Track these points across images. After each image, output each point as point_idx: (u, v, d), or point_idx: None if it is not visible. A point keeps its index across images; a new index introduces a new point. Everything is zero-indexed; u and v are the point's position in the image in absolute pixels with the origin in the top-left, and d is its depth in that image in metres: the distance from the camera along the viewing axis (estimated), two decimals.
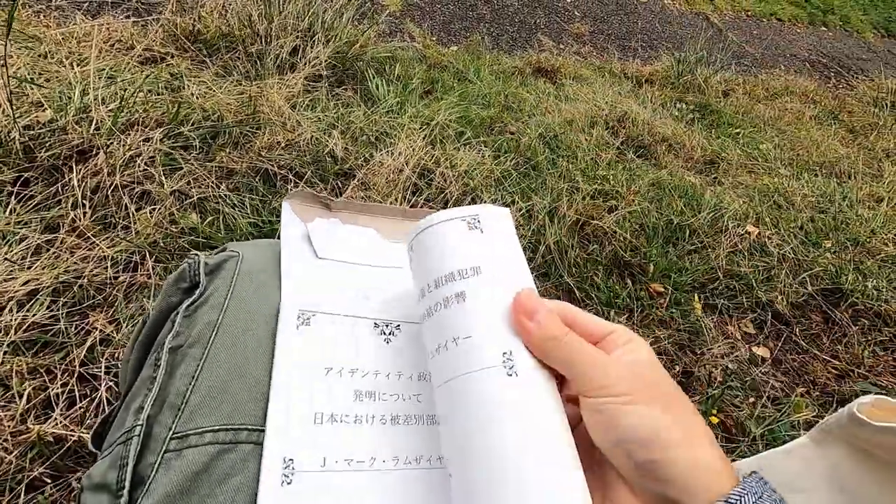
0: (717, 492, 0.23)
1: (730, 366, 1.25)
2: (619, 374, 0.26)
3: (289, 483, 0.30)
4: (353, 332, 0.38)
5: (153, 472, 0.30)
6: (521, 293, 0.30)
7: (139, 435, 0.31)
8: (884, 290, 1.55)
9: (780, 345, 1.38)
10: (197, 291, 0.38)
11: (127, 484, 0.29)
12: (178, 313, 0.37)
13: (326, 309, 0.38)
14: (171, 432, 0.31)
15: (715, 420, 1.11)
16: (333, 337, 0.37)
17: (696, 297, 1.41)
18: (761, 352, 1.34)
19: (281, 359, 0.35)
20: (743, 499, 0.23)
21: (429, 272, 0.33)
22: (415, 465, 0.34)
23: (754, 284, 1.49)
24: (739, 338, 1.37)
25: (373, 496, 0.32)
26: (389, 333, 0.39)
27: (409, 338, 0.40)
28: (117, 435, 0.32)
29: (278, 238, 0.45)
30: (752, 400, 1.19)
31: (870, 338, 1.44)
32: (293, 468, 0.31)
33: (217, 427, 0.31)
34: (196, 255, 0.40)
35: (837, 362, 1.36)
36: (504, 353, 0.28)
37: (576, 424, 0.29)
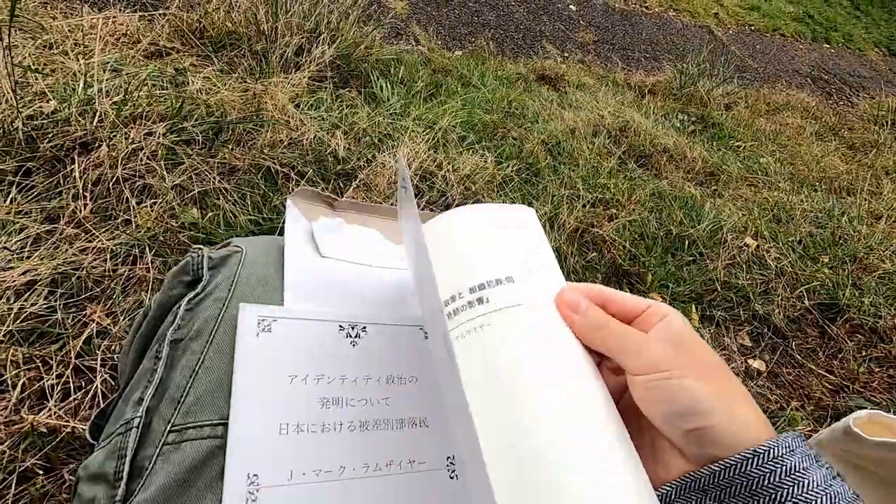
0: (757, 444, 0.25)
1: None
2: (661, 351, 0.28)
3: (254, 500, 0.29)
4: (317, 336, 0.37)
5: (151, 464, 0.29)
6: (563, 291, 0.32)
7: (138, 427, 0.31)
8: (880, 306, 1.56)
9: (775, 358, 1.38)
10: (199, 285, 0.38)
11: (125, 475, 0.29)
12: (179, 306, 0.36)
13: (286, 314, 0.37)
14: (169, 425, 0.31)
15: None
16: (295, 343, 0.36)
17: (694, 308, 1.41)
18: (757, 364, 1.35)
19: (241, 368, 0.33)
20: (773, 450, 0.25)
21: (456, 278, 0.32)
22: (385, 471, 0.33)
23: (752, 297, 1.49)
24: (736, 350, 1.37)
25: None
26: (356, 336, 0.38)
27: (378, 339, 0.39)
28: (116, 426, 0.32)
29: (279, 234, 0.45)
30: None
31: (865, 353, 1.44)
32: (258, 484, 0.30)
33: (216, 421, 0.31)
34: (199, 249, 0.40)
35: (832, 377, 1.36)
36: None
37: (619, 397, 0.31)
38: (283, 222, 0.44)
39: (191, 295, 0.37)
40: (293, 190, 1.33)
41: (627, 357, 0.29)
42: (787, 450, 0.25)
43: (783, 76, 4.00)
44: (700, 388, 0.27)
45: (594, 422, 0.27)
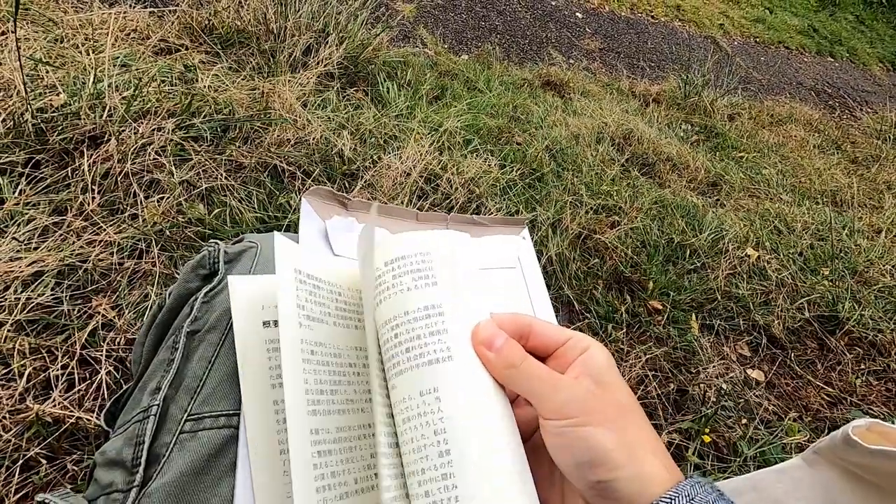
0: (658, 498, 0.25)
1: (724, 386, 1.25)
2: (573, 396, 0.27)
3: None
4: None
5: (168, 452, 0.30)
6: (479, 326, 0.30)
7: (156, 414, 0.31)
8: (879, 320, 1.56)
9: (774, 369, 1.39)
10: (216, 279, 0.38)
11: (143, 461, 0.30)
12: (196, 298, 0.37)
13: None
14: (186, 414, 0.31)
15: (707, 439, 1.12)
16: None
17: (694, 317, 1.41)
18: (756, 374, 1.35)
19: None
20: (675, 500, 0.24)
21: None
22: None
23: (752, 307, 1.50)
24: (735, 359, 1.37)
25: None
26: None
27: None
28: (133, 414, 0.33)
29: (286, 230, 0.45)
30: (744, 421, 1.19)
31: (864, 366, 1.45)
32: None
33: (231, 411, 0.32)
34: (216, 243, 0.41)
35: (831, 389, 1.37)
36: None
37: (534, 433, 0.30)
38: (292, 217, 0.45)
39: (207, 288, 0.38)
40: (299, 189, 1.34)
41: (537, 400, 0.28)
42: (688, 499, 0.24)
43: (787, 88, 4.01)
44: (608, 438, 0.26)
45: (491, 471, 0.27)
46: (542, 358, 0.31)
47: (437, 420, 0.27)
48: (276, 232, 0.33)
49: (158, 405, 0.32)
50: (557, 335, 0.30)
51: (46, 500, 0.29)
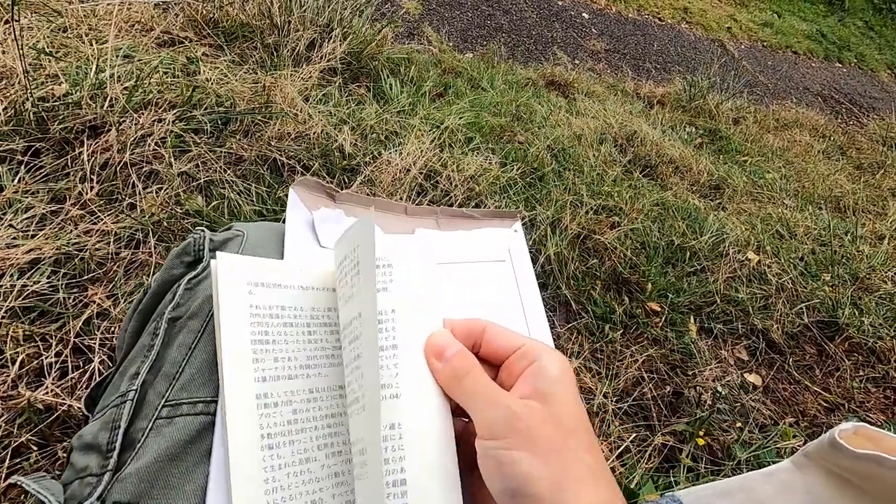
0: None
1: (720, 390, 1.25)
2: (506, 415, 0.25)
3: None
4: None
5: (143, 437, 0.30)
6: (433, 334, 0.30)
7: (133, 399, 0.31)
8: (880, 326, 1.56)
9: (772, 373, 1.38)
10: (200, 266, 0.38)
11: (117, 446, 0.30)
12: (179, 285, 0.37)
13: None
14: (164, 399, 0.31)
15: (701, 442, 1.11)
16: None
17: (692, 319, 1.41)
18: (753, 379, 1.35)
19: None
20: None
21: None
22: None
23: (751, 311, 1.49)
24: (732, 363, 1.37)
25: None
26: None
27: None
28: (111, 398, 0.33)
29: (282, 222, 0.45)
30: (739, 425, 1.19)
31: (862, 373, 1.44)
32: None
33: (209, 399, 0.32)
34: (202, 230, 0.41)
35: (828, 395, 1.36)
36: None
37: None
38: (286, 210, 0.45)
39: (191, 275, 0.38)
40: (299, 179, 1.34)
41: (473, 417, 0.27)
42: None
43: (793, 93, 3.99)
44: (535, 466, 0.24)
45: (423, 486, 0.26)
46: (496, 366, 0.30)
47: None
48: (219, 252, 0.33)
49: (136, 390, 0.32)
50: (508, 343, 0.29)
51: (21, 483, 0.29)
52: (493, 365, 0.30)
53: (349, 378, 0.30)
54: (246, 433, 0.29)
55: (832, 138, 3.27)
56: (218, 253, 0.32)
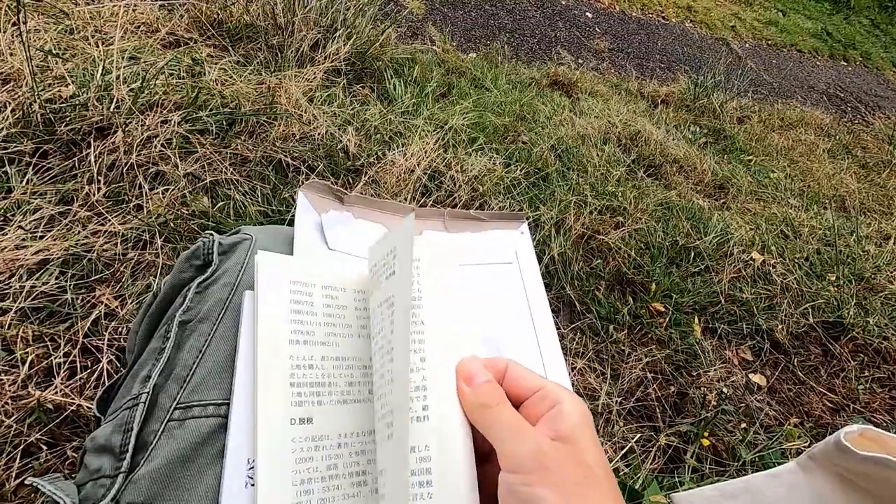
0: None
1: (725, 390, 1.25)
2: (533, 451, 0.25)
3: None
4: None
5: (156, 439, 0.30)
6: (464, 359, 0.30)
7: (145, 402, 0.32)
8: (885, 327, 1.55)
9: (776, 374, 1.38)
10: (209, 269, 0.39)
11: (130, 448, 0.30)
12: (189, 289, 0.38)
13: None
14: (175, 402, 0.32)
15: (706, 443, 1.11)
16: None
17: (696, 320, 1.41)
18: (758, 379, 1.34)
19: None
20: None
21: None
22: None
23: (755, 311, 1.49)
24: (737, 364, 1.37)
25: None
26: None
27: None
28: (123, 401, 0.33)
29: (289, 225, 0.46)
30: (744, 426, 1.19)
31: (868, 374, 1.43)
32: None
33: (220, 401, 0.32)
34: (211, 234, 0.41)
35: (833, 395, 1.36)
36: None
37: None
38: (294, 213, 0.45)
39: (201, 278, 0.38)
40: (303, 183, 1.35)
41: (499, 448, 0.27)
42: None
43: (798, 92, 3.98)
44: None
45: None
46: (515, 406, 0.29)
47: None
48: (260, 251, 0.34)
49: (148, 393, 0.32)
50: (529, 383, 0.29)
51: (36, 484, 0.30)
52: (512, 404, 0.30)
53: (378, 392, 0.31)
54: (278, 443, 0.30)
55: (837, 137, 3.25)
56: (260, 251, 0.34)
